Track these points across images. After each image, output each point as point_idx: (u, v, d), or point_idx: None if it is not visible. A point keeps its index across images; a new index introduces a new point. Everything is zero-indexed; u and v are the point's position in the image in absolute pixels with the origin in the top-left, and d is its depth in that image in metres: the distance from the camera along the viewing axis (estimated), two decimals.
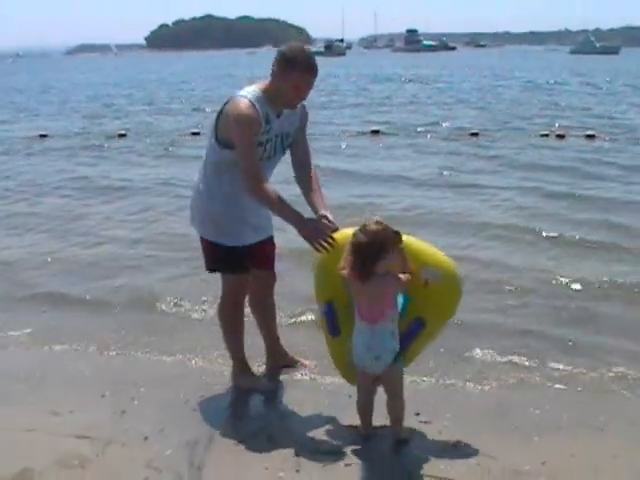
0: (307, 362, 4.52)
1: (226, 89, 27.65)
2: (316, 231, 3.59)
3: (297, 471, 3.32)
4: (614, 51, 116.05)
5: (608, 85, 33.69)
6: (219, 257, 3.97)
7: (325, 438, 3.62)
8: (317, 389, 4.26)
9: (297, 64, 3.63)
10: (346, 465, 3.36)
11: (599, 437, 3.66)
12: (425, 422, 3.74)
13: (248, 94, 3.69)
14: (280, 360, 4.47)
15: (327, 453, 3.45)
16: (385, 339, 3.33)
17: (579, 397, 4.16)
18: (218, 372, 4.41)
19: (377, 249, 3.24)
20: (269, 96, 3.71)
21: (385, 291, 3.32)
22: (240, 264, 3.98)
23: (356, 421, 3.69)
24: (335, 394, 4.12)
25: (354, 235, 3.31)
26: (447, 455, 3.43)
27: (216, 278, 4.17)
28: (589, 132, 15.94)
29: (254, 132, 3.63)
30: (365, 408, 3.58)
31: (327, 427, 3.74)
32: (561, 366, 4.56)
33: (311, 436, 3.64)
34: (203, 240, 4.00)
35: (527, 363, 4.61)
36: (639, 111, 21.72)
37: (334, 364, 3.80)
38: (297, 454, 3.45)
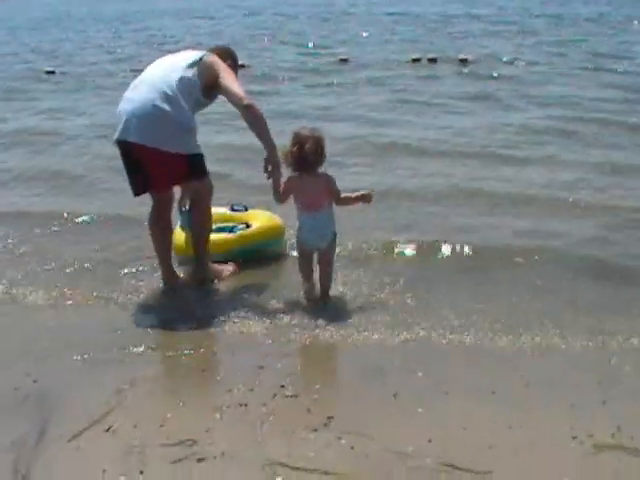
0: None
1: None
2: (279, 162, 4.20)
3: (141, 472, 2.78)
4: None
5: None
6: (197, 164, 4.38)
7: (175, 427, 3.07)
8: (167, 372, 3.82)
9: (235, 60, 4.70)
10: (199, 460, 2.83)
11: (491, 403, 3.23)
12: (291, 396, 3.26)
13: None
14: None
15: (176, 445, 2.93)
16: (326, 222, 4.21)
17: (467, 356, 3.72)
18: (50, 353, 3.81)
19: (321, 151, 4.07)
20: None
21: (322, 186, 4.14)
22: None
23: (211, 402, 3.26)
24: (187, 376, 3.68)
25: (299, 139, 4.02)
26: (317, 438, 2.95)
27: None
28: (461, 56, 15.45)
29: None
30: (308, 274, 4.36)
31: (177, 413, 3.20)
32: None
33: (158, 425, 3.09)
34: (175, 155, 4.19)
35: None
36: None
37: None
38: (142, 449, 2.91)
